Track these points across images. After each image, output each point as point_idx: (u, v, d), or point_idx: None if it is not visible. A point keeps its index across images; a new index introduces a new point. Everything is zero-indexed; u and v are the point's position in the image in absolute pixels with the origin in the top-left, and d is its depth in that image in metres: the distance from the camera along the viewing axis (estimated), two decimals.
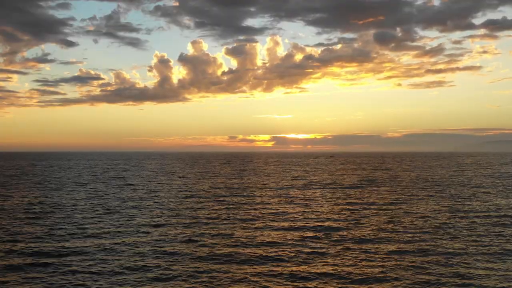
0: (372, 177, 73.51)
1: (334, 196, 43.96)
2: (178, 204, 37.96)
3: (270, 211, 34.18)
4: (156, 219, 30.18)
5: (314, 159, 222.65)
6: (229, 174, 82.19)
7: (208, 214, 32.40)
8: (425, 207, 35.82)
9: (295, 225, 28.11)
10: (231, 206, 36.74)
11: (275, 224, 28.71)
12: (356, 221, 29.29)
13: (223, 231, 26.14)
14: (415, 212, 33.19)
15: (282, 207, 36.21)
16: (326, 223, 28.60)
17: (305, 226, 27.91)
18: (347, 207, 36.20)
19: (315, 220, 29.91)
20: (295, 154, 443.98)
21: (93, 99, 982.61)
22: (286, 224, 28.46)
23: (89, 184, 59.30)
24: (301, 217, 31.21)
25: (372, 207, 36.07)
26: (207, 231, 26.17)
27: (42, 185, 56.66)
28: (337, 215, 31.76)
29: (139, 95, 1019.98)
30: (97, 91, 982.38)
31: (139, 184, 58.86)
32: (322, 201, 39.97)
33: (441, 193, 46.22)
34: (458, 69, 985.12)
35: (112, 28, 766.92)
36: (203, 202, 39.66)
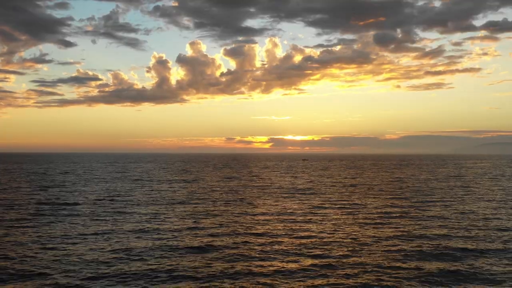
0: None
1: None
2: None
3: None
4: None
5: (288, 162, 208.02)
6: (218, 183, 67.53)
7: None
8: None
9: None
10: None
11: None
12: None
13: None
14: None
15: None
16: None
17: None
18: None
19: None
20: (288, 156, 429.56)
21: (90, 99, 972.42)
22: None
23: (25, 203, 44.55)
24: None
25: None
26: None
27: None
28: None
29: (137, 96, 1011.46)
30: (94, 92, 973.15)
31: (86, 206, 44.18)
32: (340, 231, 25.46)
33: None
34: (457, 71, 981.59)
35: (110, 28, 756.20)
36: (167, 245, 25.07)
